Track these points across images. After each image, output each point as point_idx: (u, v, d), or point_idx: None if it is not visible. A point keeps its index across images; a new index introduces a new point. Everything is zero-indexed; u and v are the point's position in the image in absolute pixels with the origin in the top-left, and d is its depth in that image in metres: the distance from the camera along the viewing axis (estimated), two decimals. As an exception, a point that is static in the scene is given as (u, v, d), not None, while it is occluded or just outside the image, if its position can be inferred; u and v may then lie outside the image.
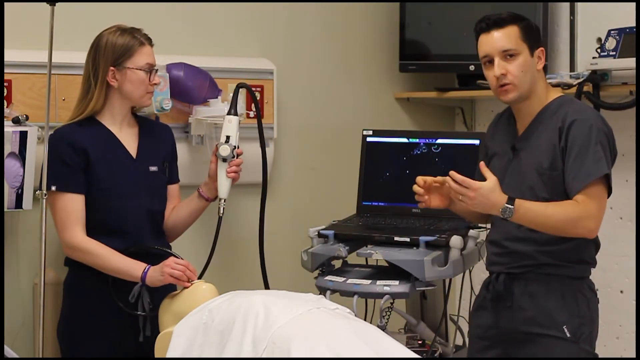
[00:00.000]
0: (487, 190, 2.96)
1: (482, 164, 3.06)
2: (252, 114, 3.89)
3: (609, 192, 3.05)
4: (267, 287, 3.70)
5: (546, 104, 3.11)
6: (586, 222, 2.98)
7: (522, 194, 3.06)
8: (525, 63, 3.06)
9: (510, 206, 2.96)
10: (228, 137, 3.47)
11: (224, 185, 3.47)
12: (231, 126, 3.49)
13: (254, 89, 3.99)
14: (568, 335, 3.06)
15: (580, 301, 3.09)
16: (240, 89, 3.64)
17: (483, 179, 3.00)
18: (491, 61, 3.08)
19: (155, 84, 3.36)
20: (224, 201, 3.49)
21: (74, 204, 3.27)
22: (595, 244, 3.15)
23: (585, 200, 2.98)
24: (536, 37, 3.12)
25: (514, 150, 3.14)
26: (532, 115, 3.12)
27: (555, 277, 3.09)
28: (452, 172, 3.00)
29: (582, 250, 3.10)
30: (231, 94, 3.74)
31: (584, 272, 3.13)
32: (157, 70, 3.37)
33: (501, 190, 2.98)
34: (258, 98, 4.04)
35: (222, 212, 3.49)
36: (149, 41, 3.35)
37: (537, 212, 2.98)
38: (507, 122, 3.22)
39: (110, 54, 3.29)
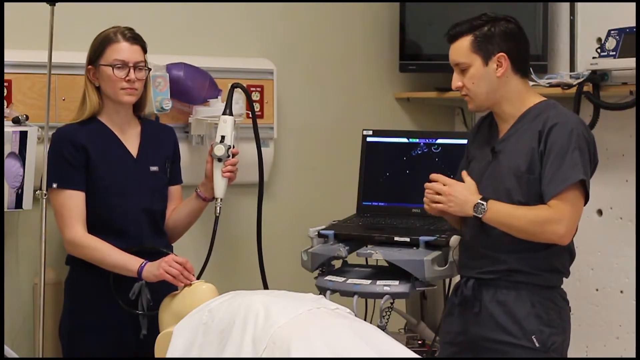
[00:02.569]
0: (462, 186, 3.05)
1: (464, 172, 3.11)
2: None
3: (587, 199, 3.03)
4: (265, 287, 3.70)
5: (528, 107, 3.09)
6: (555, 226, 2.96)
7: (498, 197, 3.05)
8: (476, 74, 3.06)
9: (483, 203, 3.00)
10: (223, 137, 3.47)
11: (219, 185, 3.47)
12: (226, 126, 3.49)
13: (253, 89, 4.01)
14: (537, 345, 3.03)
15: (551, 310, 3.07)
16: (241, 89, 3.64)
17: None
18: None
19: (129, 80, 3.31)
20: (220, 201, 3.49)
21: (74, 201, 3.28)
22: (570, 254, 3.12)
23: (558, 204, 2.96)
24: (492, 45, 3.05)
25: (493, 152, 3.13)
26: (514, 119, 3.10)
27: (525, 285, 3.06)
28: (433, 175, 3.09)
29: (555, 259, 3.07)
30: (231, 95, 3.74)
31: (555, 281, 3.11)
32: (138, 67, 3.32)
33: (478, 192, 3.04)
34: (258, 98, 4.04)
35: (218, 212, 3.48)
36: (129, 38, 3.33)
37: (507, 213, 3.00)
38: (489, 126, 3.21)
39: (90, 53, 3.32)
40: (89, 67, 3.32)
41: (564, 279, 3.14)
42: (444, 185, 3.06)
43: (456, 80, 3.10)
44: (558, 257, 3.08)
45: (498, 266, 3.08)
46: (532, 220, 2.97)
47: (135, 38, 3.34)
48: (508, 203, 3.04)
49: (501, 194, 3.06)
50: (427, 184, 3.09)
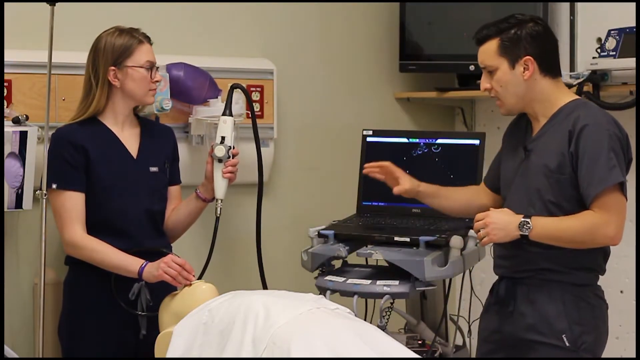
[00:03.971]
0: (496, 211, 3.03)
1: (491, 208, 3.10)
2: (252, 113, 3.90)
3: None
4: (265, 287, 3.70)
5: (559, 107, 3.07)
6: (604, 230, 2.95)
7: (529, 197, 3.06)
8: (503, 78, 3.05)
9: (527, 220, 2.97)
10: (223, 138, 3.47)
11: (220, 186, 3.48)
12: (226, 127, 3.49)
13: (253, 89, 4.01)
14: (567, 344, 3.03)
15: (583, 308, 3.06)
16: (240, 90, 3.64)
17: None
18: None
19: (157, 81, 3.38)
20: (221, 201, 3.49)
21: (73, 202, 3.28)
22: (603, 252, 3.10)
23: (602, 208, 2.95)
24: (518, 48, 3.05)
25: (525, 151, 3.12)
26: (546, 118, 3.09)
27: (556, 283, 3.06)
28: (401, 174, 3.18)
29: (585, 257, 3.05)
30: (231, 95, 3.74)
31: (586, 279, 3.09)
32: (158, 67, 3.39)
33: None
34: (258, 98, 4.04)
35: (219, 212, 3.49)
36: (148, 40, 3.37)
37: (554, 226, 2.98)
38: (526, 123, 3.19)
39: (109, 54, 3.30)
40: (112, 68, 3.31)
41: (600, 276, 3.13)
42: (480, 220, 3.03)
43: (484, 82, 3.09)
44: (589, 255, 3.06)
45: (530, 265, 3.08)
46: (581, 229, 2.96)
47: (150, 39, 3.39)
48: (538, 203, 3.04)
49: (532, 193, 3.06)
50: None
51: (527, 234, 2.97)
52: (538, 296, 3.08)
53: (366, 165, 3.43)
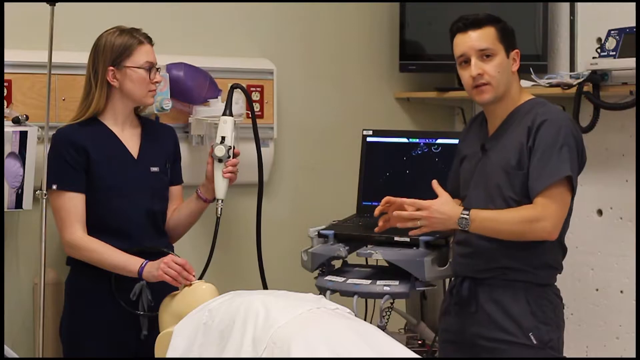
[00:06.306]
0: (438, 204, 3.01)
1: (434, 181, 3.07)
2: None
3: (573, 194, 3.04)
4: (265, 287, 3.70)
5: (518, 105, 3.10)
6: (542, 223, 2.97)
7: (489, 194, 3.07)
8: (502, 64, 3.06)
9: (466, 215, 2.98)
10: (223, 138, 3.48)
11: (220, 186, 3.48)
12: (226, 127, 3.49)
13: (253, 89, 4.01)
14: (535, 342, 3.04)
15: (546, 307, 3.08)
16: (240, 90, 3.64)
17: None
18: (467, 61, 3.07)
19: (156, 82, 3.37)
20: (222, 202, 3.49)
21: (74, 203, 3.28)
22: (561, 249, 3.13)
23: (544, 202, 2.97)
24: (512, 39, 3.10)
25: (483, 149, 3.13)
26: (504, 117, 3.11)
27: (520, 283, 3.07)
28: (403, 200, 3.05)
29: (547, 255, 3.08)
30: (231, 95, 3.74)
31: (549, 278, 3.12)
32: (158, 68, 3.38)
33: (457, 201, 3.05)
34: (258, 98, 4.04)
35: (219, 212, 3.49)
36: (149, 40, 3.36)
37: (493, 218, 3.00)
38: (480, 125, 3.22)
39: (109, 53, 3.30)
40: (111, 68, 3.31)
41: (559, 276, 3.15)
42: (419, 210, 3.01)
43: (478, 67, 3.05)
44: (551, 253, 3.09)
45: (491, 264, 3.08)
46: (519, 221, 2.98)
47: (151, 40, 3.38)
48: (499, 199, 3.05)
49: (492, 190, 3.07)
50: (401, 214, 3.03)
51: (466, 229, 2.99)
52: (502, 296, 3.08)
53: (380, 221, 3.22)
